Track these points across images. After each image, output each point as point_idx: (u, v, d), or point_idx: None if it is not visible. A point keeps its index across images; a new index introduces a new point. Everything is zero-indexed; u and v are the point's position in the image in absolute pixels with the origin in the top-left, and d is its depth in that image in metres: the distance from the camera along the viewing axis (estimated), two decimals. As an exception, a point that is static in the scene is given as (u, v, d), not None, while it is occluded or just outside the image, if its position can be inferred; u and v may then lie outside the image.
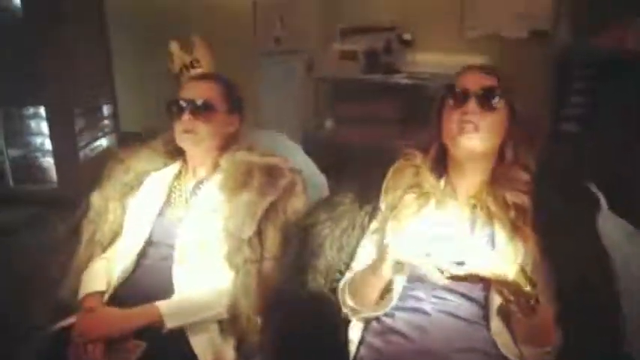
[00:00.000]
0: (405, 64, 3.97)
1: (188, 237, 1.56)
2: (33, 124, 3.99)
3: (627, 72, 3.54)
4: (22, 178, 3.93)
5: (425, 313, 1.38)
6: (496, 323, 1.35)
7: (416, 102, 3.96)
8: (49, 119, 3.88)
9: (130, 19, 4.43)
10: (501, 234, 1.39)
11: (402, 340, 1.36)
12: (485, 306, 1.37)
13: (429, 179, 1.48)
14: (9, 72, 3.56)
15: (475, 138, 1.40)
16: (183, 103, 1.61)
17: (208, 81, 1.67)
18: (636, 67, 3.53)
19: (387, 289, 1.43)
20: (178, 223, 1.59)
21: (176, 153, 1.71)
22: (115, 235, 1.65)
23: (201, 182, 1.65)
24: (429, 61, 3.97)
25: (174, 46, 1.73)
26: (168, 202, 1.64)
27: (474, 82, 1.42)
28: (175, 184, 1.67)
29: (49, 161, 4.01)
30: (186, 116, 1.60)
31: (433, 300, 1.39)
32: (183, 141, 1.63)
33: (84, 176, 4.03)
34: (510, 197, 1.39)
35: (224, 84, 1.68)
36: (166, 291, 1.51)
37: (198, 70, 1.72)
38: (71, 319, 1.50)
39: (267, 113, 3.67)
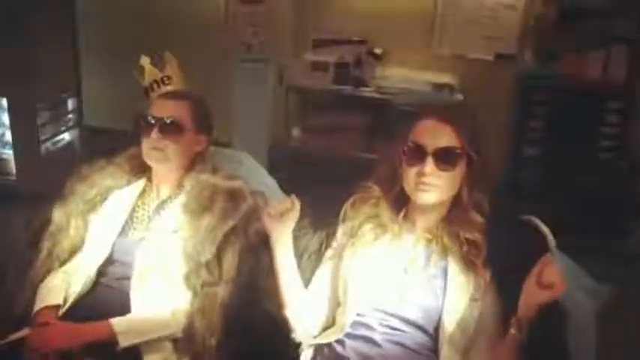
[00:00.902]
0: (374, 77, 4.02)
1: (148, 257, 1.56)
2: (-6, 115, 3.90)
3: (586, 99, 3.68)
4: (-20, 169, 3.87)
5: (374, 343, 1.42)
6: (445, 353, 1.40)
7: (383, 115, 4.03)
8: (10, 110, 3.82)
9: (99, 13, 4.38)
10: (454, 267, 1.44)
11: (351, 370, 1.40)
12: (435, 337, 1.42)
13: (387, 211, 1.52)
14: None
15: (432, 196, 1.42)
16: (151, 120, 1.62)
17: (179, 100, 1.67)
18: (596, 94, 3.68)
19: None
20: (139, 242, 1.60)
21: (140, 170, 1.71)
22: (75, 250, 1.65)
23: (164, 202, 1.66)
24: (398, 75, 4.04)
25: (145, 61, 1.72)
26: (130, 220, 1.64)
27: (432, 139, 1.41)
28: (139, 202, 1.67)
29: (8, 153, 3.94)
30: (154, 134, 1.61)
31: (383, 330, 1.44)
32: (150, 158, 1.64)
33: (45, 170, 3.98)
34: (463, 234, 1.44)
35: (195, 103, 1.69)
36: (123, 309, 1.51)
37: (169, 87, 1.71)
38: (23, 332, 1.50)
39: (236, 121, 3.68)
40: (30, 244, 1.71)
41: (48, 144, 4.02)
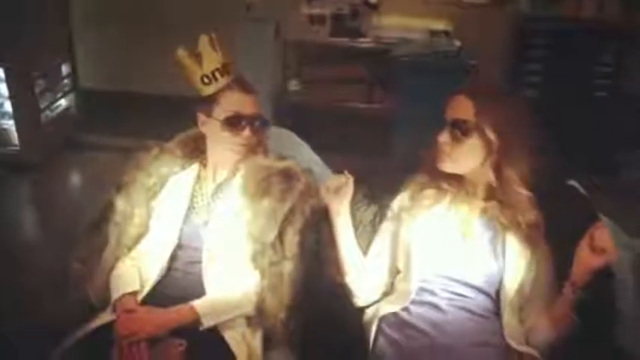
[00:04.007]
0: (370, 27, 4.03)
1: (213, 240, 1.62)
2: (-8, 86, 3.84)
3: (583, 39, 3.75)
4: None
5: (440, 309, 1.52)
6: (507, 316, 1.50)
7: (381, 65, 4.06)
8: (8, 81, 3.77)
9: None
10: (511, 237, 1.53)
11: (418, 335, 1.50)
12: (496, 300, 1.53)
13: (446, 179, 1.60)
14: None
15: (448, 164, 1.53)
16: (243, 121, 1.64)
17: (253, 93, 1.69)
18: (591, 35, 3.75)
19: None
20: (203, 226, 1.65)
21: (193, 154, 1.75)
22: (140, 237, 1.69)
23: (221, 185, 1.70)
24: (395, 24, 4.05)
25: (203, 44, 1.59)
26: (191, 206, 1.68)
27: (452, 111, 1.51)
28: (197, 187, 1.71)
29: (9, 124, 3.91)
30: (247, 132, 1.65)
31: (447, 295, 1.53)
32: (238, 153, 1.67)
33: (45, 138, 3.97)
34: (522, 218, 1.52)
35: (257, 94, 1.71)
36: (198, 291, 1.58)
37: (231, 76, 1.64)
38: (105, 317, 1.56)
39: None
40: (92, 228, 1.76)
41: (47, 111, 3.99)
